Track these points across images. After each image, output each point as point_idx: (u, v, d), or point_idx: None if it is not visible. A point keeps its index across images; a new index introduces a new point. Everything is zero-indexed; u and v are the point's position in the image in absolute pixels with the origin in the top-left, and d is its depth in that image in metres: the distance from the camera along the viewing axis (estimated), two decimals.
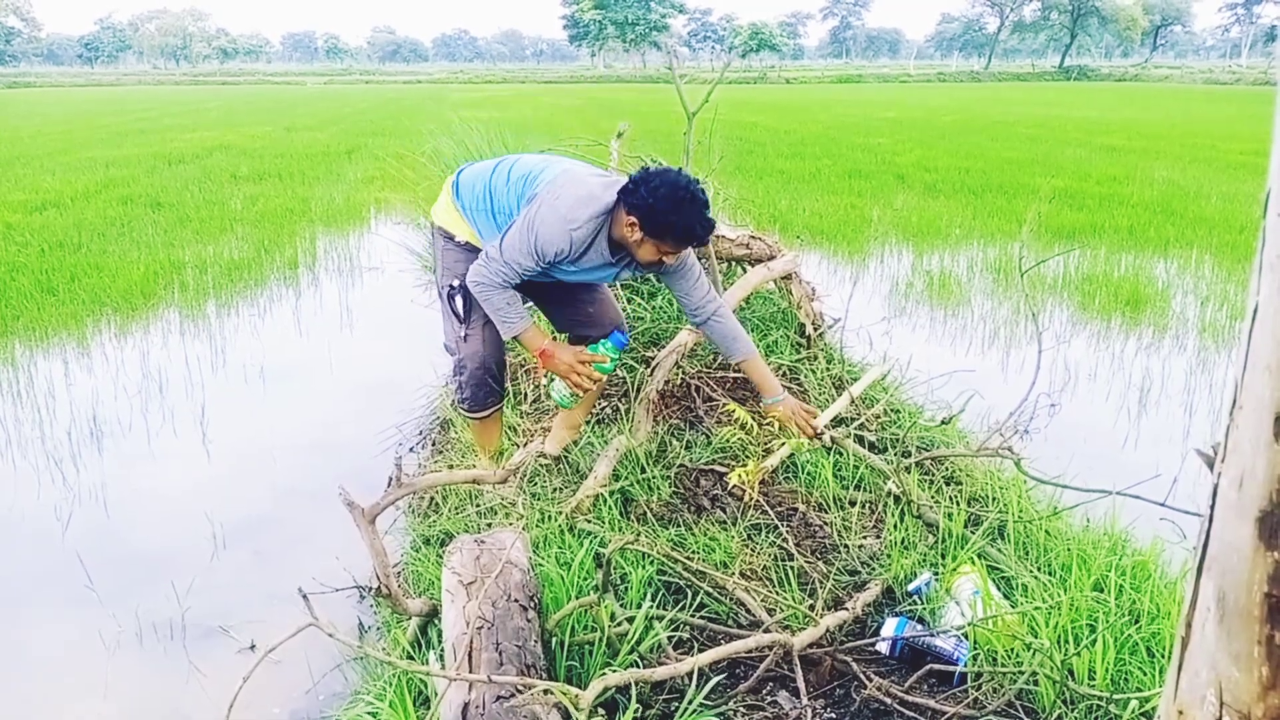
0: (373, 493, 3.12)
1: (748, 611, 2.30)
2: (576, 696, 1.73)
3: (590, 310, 3.05)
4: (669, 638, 2.15)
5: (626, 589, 2.34)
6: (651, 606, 2.19)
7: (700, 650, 2.15)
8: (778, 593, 2.39)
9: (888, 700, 1.99)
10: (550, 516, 2.71)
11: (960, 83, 58.80)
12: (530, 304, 3.04)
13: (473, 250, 2.85)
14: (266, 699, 2.26)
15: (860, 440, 3.20)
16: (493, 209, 2.84)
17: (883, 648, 2.19)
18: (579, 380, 2.79)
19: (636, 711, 1.87)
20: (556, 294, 3.02)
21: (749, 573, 2.51)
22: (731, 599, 2.35)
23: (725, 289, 3.86)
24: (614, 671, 1.95)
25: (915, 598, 2.36)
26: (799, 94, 39.45)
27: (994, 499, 2.86)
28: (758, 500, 2.84)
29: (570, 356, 2.79)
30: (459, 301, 2.88)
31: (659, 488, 2.91)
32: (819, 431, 2.89)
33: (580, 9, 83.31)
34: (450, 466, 3.30)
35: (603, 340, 2.90)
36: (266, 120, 22.66)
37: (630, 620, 2.11)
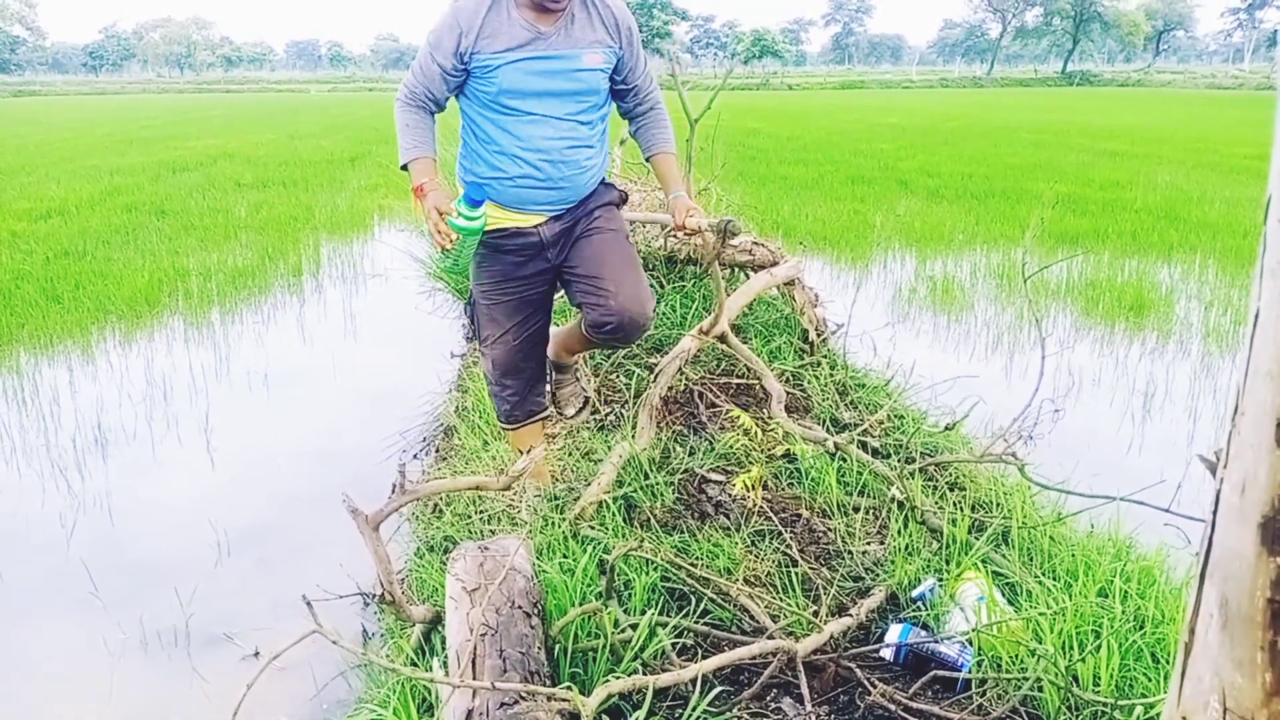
0: (376, 499, 3.12)
1: (751, 618, 2.30)
2: (582, 703, 1.73)
3: (597, 274, 2.77)
4: (672, 644, 2.15)
5: (630, 595, 2.34)
6: (654, 613, 2.18)
7: (704, 656, 2.15)
8: (781, 599, 2.38)
9: (892, 707, 1.99)
10: (554, 523, 2.71)
11: (963, 88, 58.82)
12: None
13: (482, 247, 2.77)
14: (270, 706, 2.26)
15: (864, 446, 3.19)
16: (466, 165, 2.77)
17: (887, 654, 2.19)
18: (434, 234, 2.52)
19: (639, 719, 1.87)
20: (573, 259, 2.80)
21: (752, 579, 2.51)
22: (735, 605, 2.34)
23: (729, 295, 3.86)
24: (618, 678, 1.95)
25: (919, 604, 2.35)
26: (801, 100, 39.49)
27: (998, 505, 2.86)
28: (761, 507, 2.84)
29: (433, 202, 2.51)
30: (468, 314, 2.95)
31: (662, 494, 2.91)
32: (698, 229, 2.73)
33: None
34: (454, 473, 3.30)
35: (460, 198, 2.60)
36: (270, 128, 22.72)
37: (634, 627, 2.11)
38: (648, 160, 2.89)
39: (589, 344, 2.98)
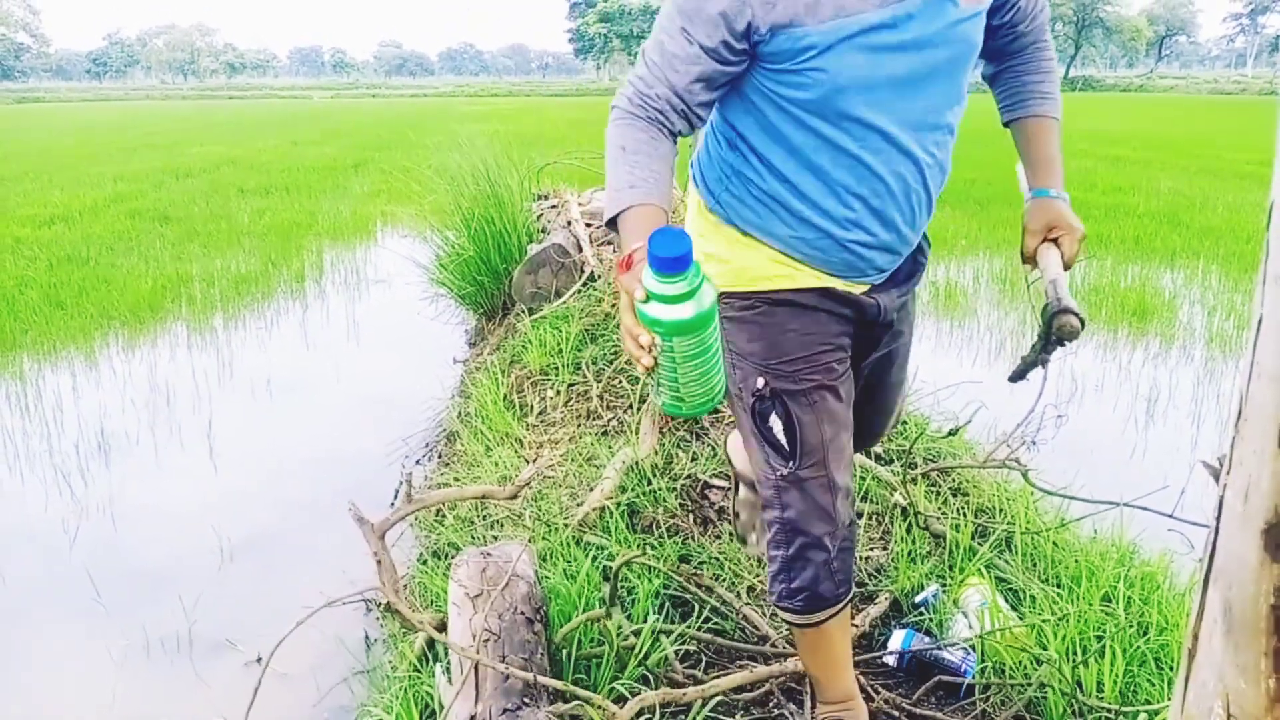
0: (379, 505, 3.13)
1: (754, 625, 2.30)
2: (614, 714, 1.75)
3: (878, 406, 1.91)
4: (676, 651, 2.15)
5: (633, 602, 2.33)
6: (658, 620, 2.18)
7: (708, 662, 2.15)
8: None
9: (896, 713, 1.99)
10: (556, 529, 2.71)
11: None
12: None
13: (746, 303, 1.66)
14: (273, 713, 2.26)
15: (866, 452, 3.19)
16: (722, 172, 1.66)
17: (890, 660, 2.18)
18: (626, 342, 1.30)
19: None
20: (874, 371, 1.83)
21: (756, 585, 2.50)
22: (738, 612, 2.34)
23: None
24: (623, 684, 1.96)
25: (923, 610, 2.35)
26: None
27: (1001, 510, 2.85)
28: None
29: (631, 283, 1.27)
30: (764, 416, 1.67)
31: (665, 500, 2.90)
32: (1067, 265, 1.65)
33: (586, 23, 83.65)
34: (457, 479, 3.30)
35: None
36: (273, 134, 22.77)
37: (637, 633, 2.11)
38: (1011, 124, 1.77)
39: None
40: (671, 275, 1.20)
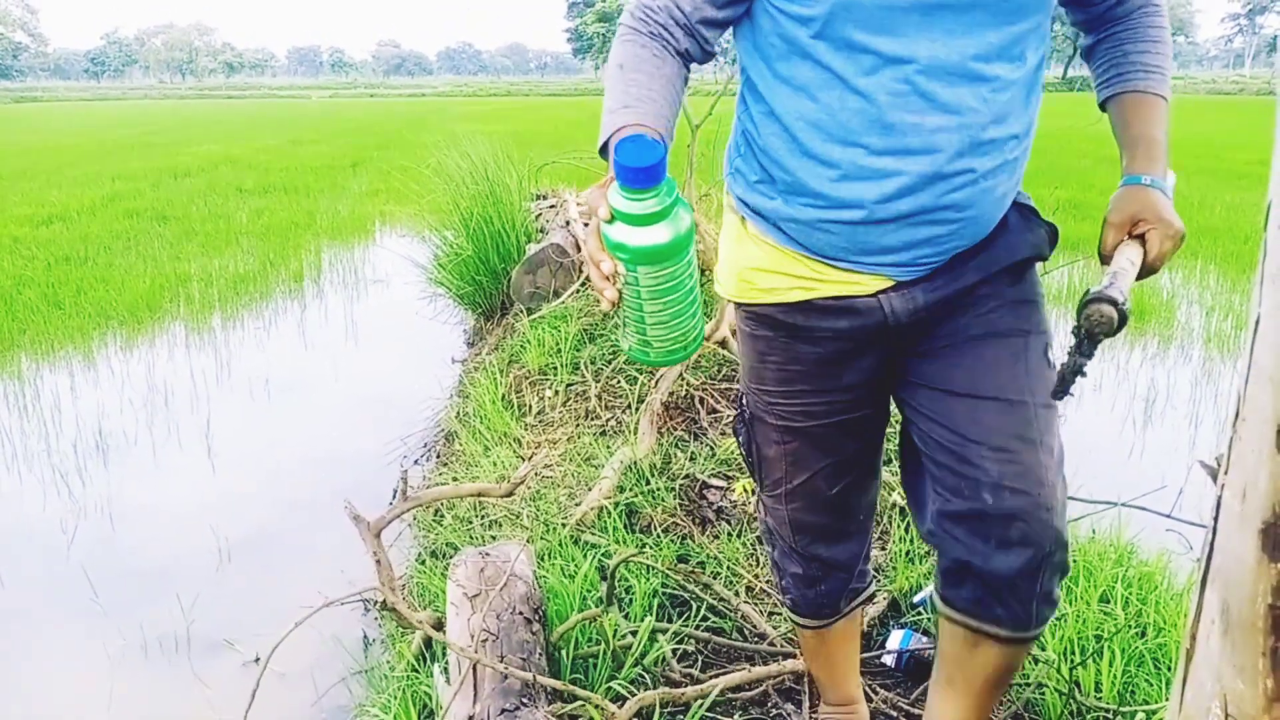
0: (377, 505, 3.12)
1: (753, 623, 2.30)
2: (613, 714, 1.75)
3: (967, 430, 1.38)
4: (673, 651, 2.15)
5: (631, 601, 2.33)
6: (654, 619, 2.18)
7: (705, 661, 2.15)
8: (782, 604, 2.38)
9: (894, 714, 1.99)
10: (555, 529, 2.71)
11: None
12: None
13: (740, 310, 1.52)
14: (272, 713, 2.26)
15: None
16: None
17: (888, 660, 2.18)
18: (591, 270, 1.13)
19: None
20: (938, 375, 1.43)
21: (754, 584, 2.50)
22: (736, 611, 2.34)
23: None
24: (620, 683, 1.95)
25: (921, 609, 2.35)
26: None
27: None
28: None
29: (596, 199, 1.11)
30: (737, 432, 1.62)
31: (663, 499, 2.90)
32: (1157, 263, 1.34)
33: (584, 22, 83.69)
34: (455, 479, 3.30)
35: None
36: (271, 134, 22.76)
37: (634, 633, 2.11)
38: (1108, 103, 1.44)
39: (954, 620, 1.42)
40: (638, 190, 1.03)
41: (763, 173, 1.37)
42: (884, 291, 1.37)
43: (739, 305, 1.51)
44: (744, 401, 1.58)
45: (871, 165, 1.27)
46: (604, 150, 1.23)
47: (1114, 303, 1.17)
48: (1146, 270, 1.32)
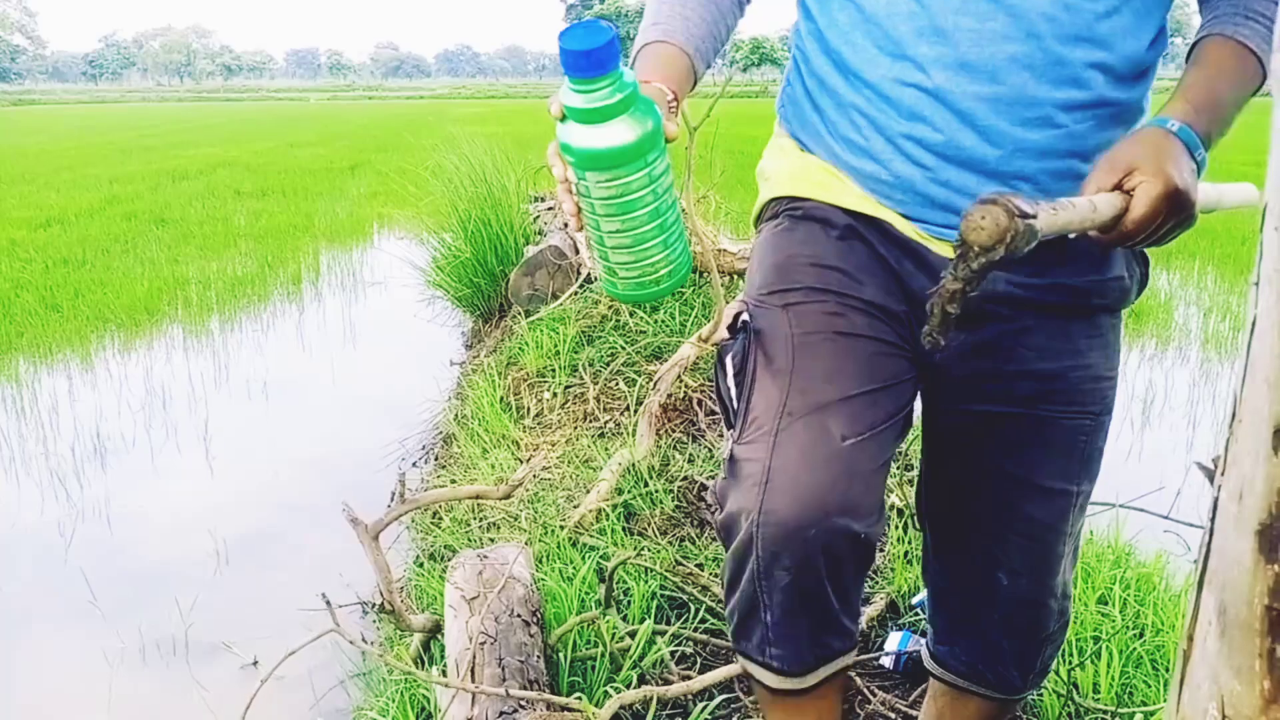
0: (376, 507, 3.12)
1: None
2: (594, 713, 1.74)
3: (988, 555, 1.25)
4: (671, 653, 2.15)
5: (629, 603, 2.33)
6: (652, 621, 2.18)
7: (703, 664, 2.15)
8: None
9: (892, 715, 1.98)
10: (553, 531, 2.71)
11: None
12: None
13: (770, 219, 1.24)
14: (270, 716, 2.25)
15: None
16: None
17: (886, 662, 2.18)
18: (560, 189, 1.00)
19: None
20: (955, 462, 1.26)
21: None
22: None
23: (728, 302, 3.86)
24: (617, 686, 1.95)
25: (919, 611, 2.35)
26: None
27: None
28: None
29: (552, 99, 0.97)
30: (720, 358, 1.18)
31: (662, 501, 2.90)
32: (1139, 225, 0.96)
33: None
34: (453, 481, 3.30)
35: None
36: (270, 136, 22.76)
37: (632, 635, 2.11)
38: (1190, 53, 1.13)
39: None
40: (584, 80, 0.89)
41: (813, 108, 1.18)
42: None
43: (772, 208, 1.23)
44: (744, 315, 1.17)
45: (932, 92, 1.06)
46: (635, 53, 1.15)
47: (1017, 212, 0.81)
48: (1119, 233, 0.95)
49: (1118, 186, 0.96)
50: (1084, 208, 0.93)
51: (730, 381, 1.15)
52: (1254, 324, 0.80)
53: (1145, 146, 0.98)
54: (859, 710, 2.03)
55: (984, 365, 1.18)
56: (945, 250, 1.10)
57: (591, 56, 0.87)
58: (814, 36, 1.16)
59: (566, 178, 0.95)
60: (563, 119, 0.93)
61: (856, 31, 1.10)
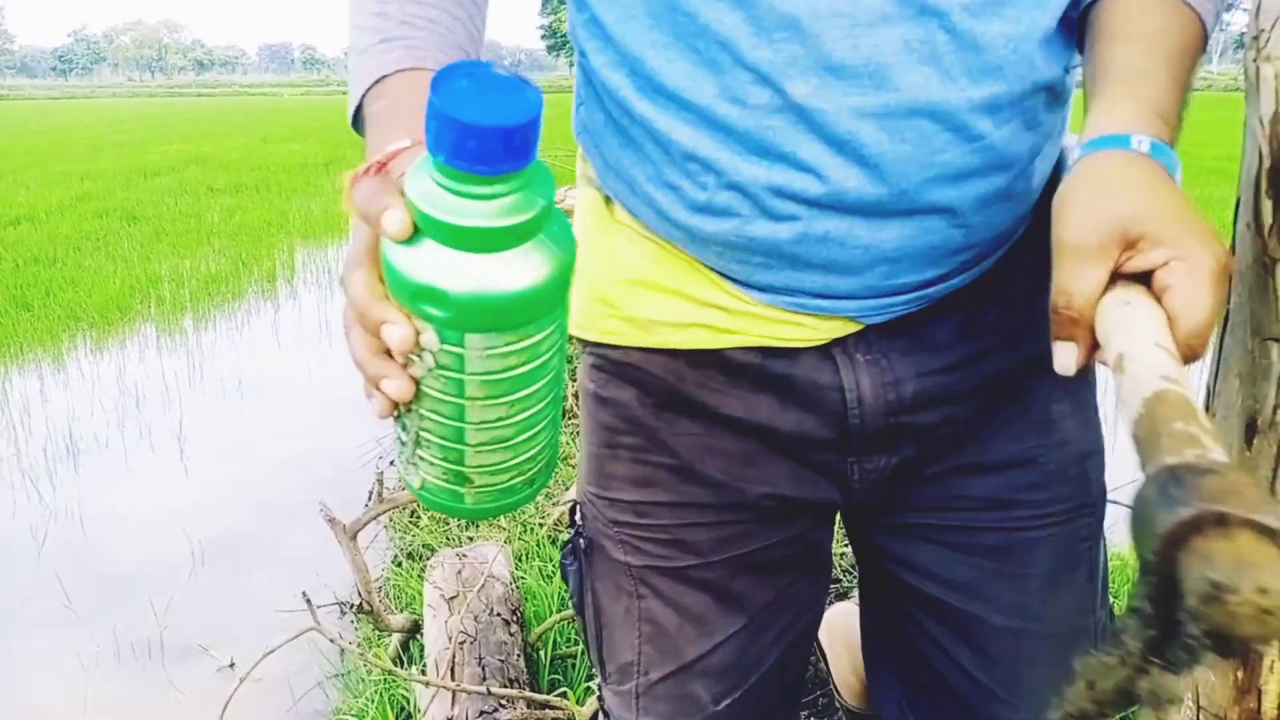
0: (353, 506, 3.11)
1: None
2: (576, 711, 1.74)
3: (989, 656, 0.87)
4: None
5: None
6: None
7: None
8: None
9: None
10: (532, 529, 2.71)
11: None
12: None
13: (589, 357, 0.86)
14: (246, 719, 2.24)
15: None
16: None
17: None
18: (357, 341, 0.55)
19: None
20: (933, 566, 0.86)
21: None
22: None
23: None
24: (597, 683, 1.95)
25: None
26: None
27: None
28: None
29: (376, 202, 0.49)
30: (564, 570, 0.93)
31: None
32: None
33: (558, 19, 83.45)
34: None
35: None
36: (243, 132, 22.56)
37: None
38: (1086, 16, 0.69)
39: None
40: (489, 179, 0.48)
41: (610, 126, 0.77)
42: (840, 343, 0.76)
43: (589, 349, 0.86)
44: (578, 517, 0.90)
45: (787, 106, 0.67)
46: (356, 120, 0.70)
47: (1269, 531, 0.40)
48: (1183, 350, 0.58)
49: (1116, 276, 0.60)
50: (1164, 371, 0.54)
51: (573, 604, 0.93)
52: (1226, 319, 0.80)
53: (1134, 194, 0.59)
54: (839, 704, 2.04)
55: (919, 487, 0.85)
56: (824, 325, 0.75)
57: (514, 138, 0.47)
58: (598, 36, 0.74)
59: (412, 345, 0.52)
60: (411, 238, 0.50)
61: (659, 29, 0.69)
